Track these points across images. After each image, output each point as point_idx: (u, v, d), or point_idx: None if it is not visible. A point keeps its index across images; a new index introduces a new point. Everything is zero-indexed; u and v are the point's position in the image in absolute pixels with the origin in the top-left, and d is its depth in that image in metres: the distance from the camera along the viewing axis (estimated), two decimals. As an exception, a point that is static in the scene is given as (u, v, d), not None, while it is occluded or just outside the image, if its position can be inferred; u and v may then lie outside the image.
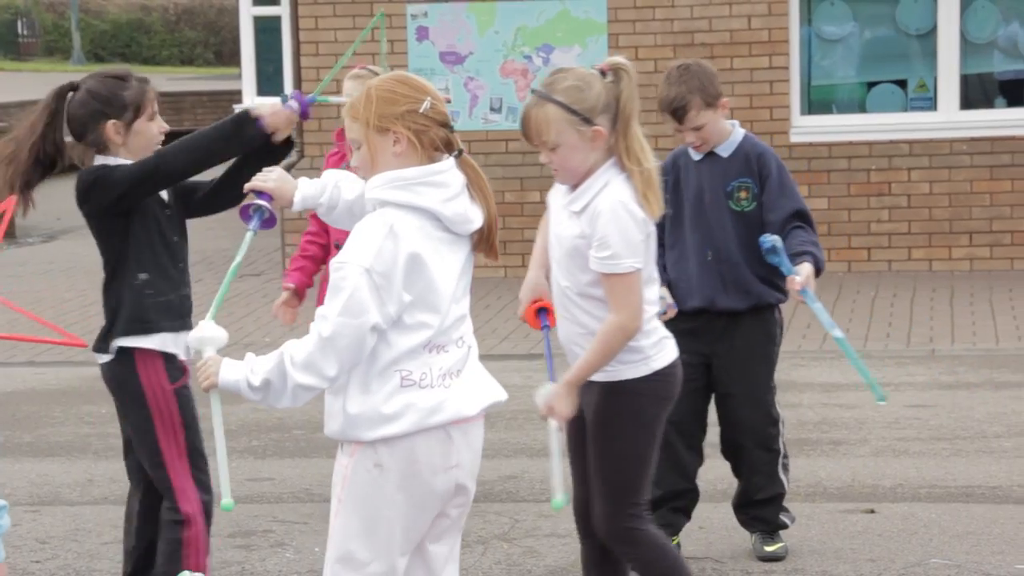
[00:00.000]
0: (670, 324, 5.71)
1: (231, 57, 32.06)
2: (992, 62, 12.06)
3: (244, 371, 3.86)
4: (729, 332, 5.74)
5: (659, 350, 4.54)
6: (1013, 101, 11.98)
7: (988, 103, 12.01)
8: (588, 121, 4.34)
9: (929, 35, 11.92)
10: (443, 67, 12.24)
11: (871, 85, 12.18)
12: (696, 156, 5.76)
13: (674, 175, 5.78)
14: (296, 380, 3.82)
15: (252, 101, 16.28)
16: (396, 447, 3.90)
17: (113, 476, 6.95)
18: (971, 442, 7.41)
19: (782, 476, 5.84)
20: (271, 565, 5.97)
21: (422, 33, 12.30)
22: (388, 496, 3.91)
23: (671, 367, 4.58)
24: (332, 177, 4.26)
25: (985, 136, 11.69)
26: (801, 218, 5.60)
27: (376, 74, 6.44)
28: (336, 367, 3.82)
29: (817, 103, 12.19)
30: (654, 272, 4.55)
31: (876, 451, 7.33)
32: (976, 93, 12.02)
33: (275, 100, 4.82)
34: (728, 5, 11.93)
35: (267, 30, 15.74)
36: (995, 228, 11.66)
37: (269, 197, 4.25)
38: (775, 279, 5.69)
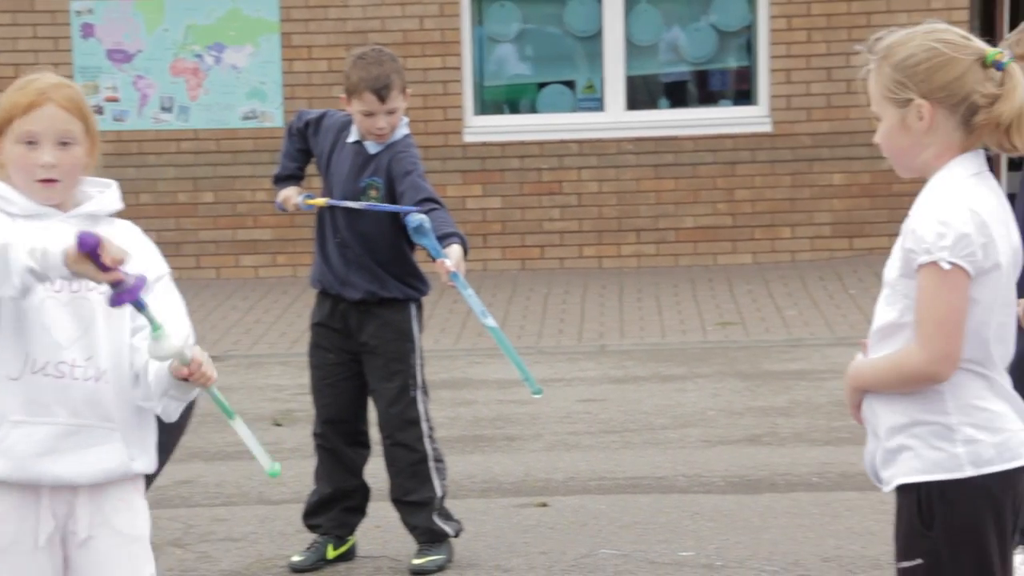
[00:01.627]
0: (324, 323, 5.76)
1: None
2: (656, 64, 12.44)
3: None
4: (364, 326, 5.74)
5: None
6: (676, 102, 12.38)
7: (652, 104, 12.38)
8: None
9: (595, 37, 12.22)
10: (110, 65, 11.94)
11: (541, 86, 12.42)
12: (351, 138, 5.73)
13: (335, 135, 5.75)
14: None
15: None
16: None
17: None
18: (639, 434, 7.63)
19: (435, 481, 5.75)
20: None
21: (87, 30, 11.98)
22: None
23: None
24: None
25: (650, 136, 12.04)
26: (435, 202, 5.58)
27: None
28: None
29: (490, 103, 12.36)
30: None
31: (549, 445, 7.47)
32: (641, 94, 12.38)
33: None
34: (400, 5, 11.99)
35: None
36: (661, 226, 12.03)
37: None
38: (406, 277, 5.74)
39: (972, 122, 3.31)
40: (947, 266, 3.24)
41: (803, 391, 8.33)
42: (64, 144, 3.56)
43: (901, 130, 3.35)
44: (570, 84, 12.37)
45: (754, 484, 6.74)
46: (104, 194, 3.66)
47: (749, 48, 12.24)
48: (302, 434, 7.01)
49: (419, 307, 5.83)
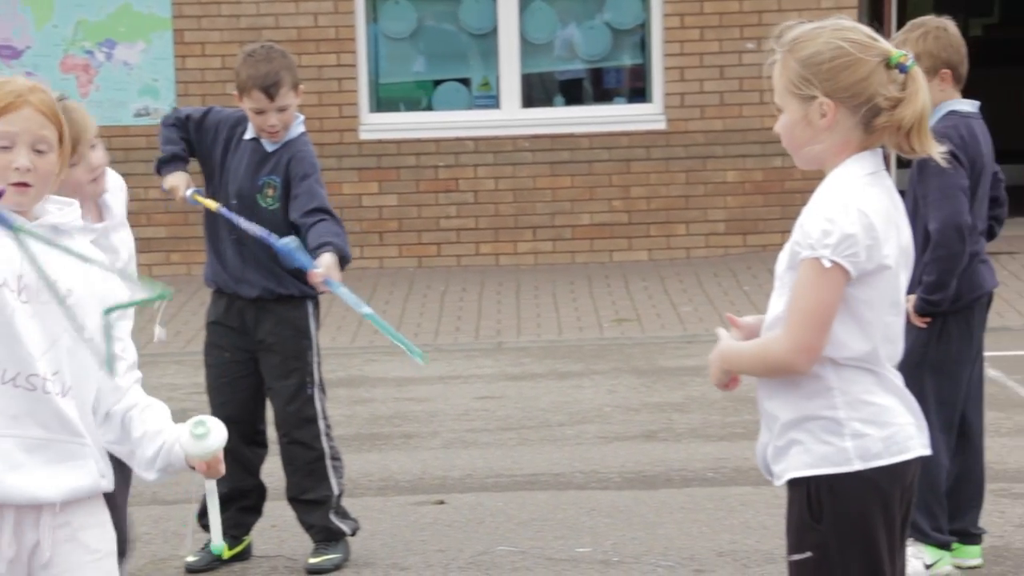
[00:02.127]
0: (220, 321, 5.73)
1: None
2: (551, 62, 12.47)
3: None
4: (261, 323, 5.73)
5: None
6: (571, 100, 12.42)
7: (548, 102, 12.42)
8: None
9: (491, 35, 12.23)
10: (-1, 62, 11.79)
11: (437, 83, 12.41)
12: (248, 135, 5.70)
13: (229, 131, 5.70)
14: None
15: None
16: None
17: None
18: (536, 431, 7.65)
19: (332, 479, 5.75)
20: None
21: (-25, 26, 11.80)
22: None
23: None
24: None
25: (546, 133, 12.08)
26: (325, 212, 5.60)
27: None
28: None
29: (385, 101, 12.33)
30: None
31: (446, 443, 7.47)
32: (537, 92, 12.41)
33: None
34: (295, 2, 11.93)
35: None
36: (557, 223, 12.07)
37: None
38: (303, 274, 5.72)
39: (873, 123, 3.33)
40: (828, 264, 3.28)
41: (698, 387, 8.40)
42: (39, 152, 3.42)
43: (802, 124, 3.37)
44: (465, 82, 12.37)
45: (650, 480, 6.78)
46: (64, 211, 3.51)
47: (643, 46, 12.31)
48: (197, 434, 6.94)
49: (316, 304, 5.82)
